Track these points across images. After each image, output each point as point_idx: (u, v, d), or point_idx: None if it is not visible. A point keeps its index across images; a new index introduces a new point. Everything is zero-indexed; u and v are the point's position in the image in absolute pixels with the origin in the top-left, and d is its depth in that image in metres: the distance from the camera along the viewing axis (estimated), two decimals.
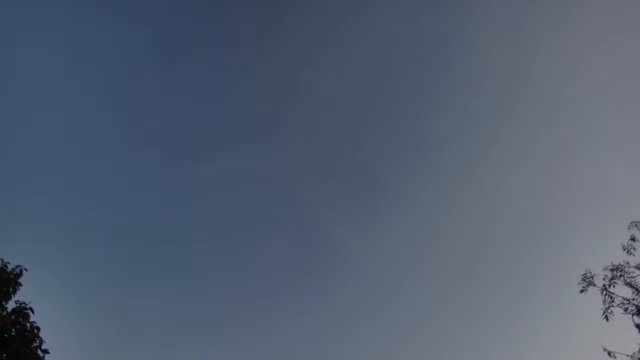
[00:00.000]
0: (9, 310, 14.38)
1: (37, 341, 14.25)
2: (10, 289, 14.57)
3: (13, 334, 13.97)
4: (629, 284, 17.94)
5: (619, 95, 54.38)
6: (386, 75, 59.91)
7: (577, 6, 54.76)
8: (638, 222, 18.31)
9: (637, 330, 17.64)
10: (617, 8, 49.62)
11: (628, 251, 18.18)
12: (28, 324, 14.27)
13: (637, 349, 17.43)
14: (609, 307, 17.98)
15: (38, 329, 14.37)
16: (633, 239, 18.20)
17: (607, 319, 17.91)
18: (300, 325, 50.31)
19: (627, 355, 17.48)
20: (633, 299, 17.85)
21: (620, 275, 18.06)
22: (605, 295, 18.14)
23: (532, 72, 57.82)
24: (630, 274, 18.01)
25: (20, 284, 14.84)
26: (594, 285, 18.43)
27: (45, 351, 14.31)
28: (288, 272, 55.96)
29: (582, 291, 18.62)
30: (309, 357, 49.09)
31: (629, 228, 18.39)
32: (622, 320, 17.82)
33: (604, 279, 18.32)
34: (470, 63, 57.96)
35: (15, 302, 14.56)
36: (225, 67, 58.02)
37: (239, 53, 60.14)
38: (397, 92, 60.61)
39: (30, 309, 14.47)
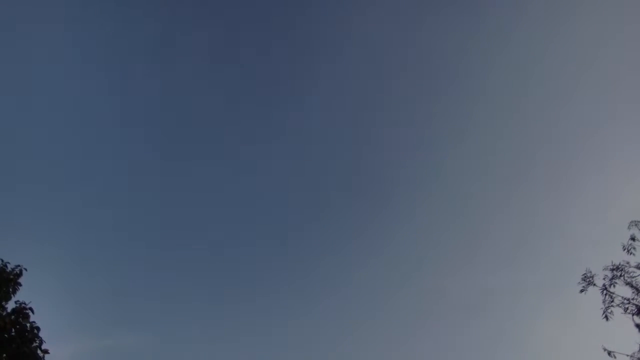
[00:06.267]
0: (9, 310, 14.35)
1: (37, 341, 14.19)
2: (10, 289, 14.54)
3: (13, 334, 13.94)
4: (629, 284, 17.96)
5: (620, 95, 54.37)
6: (388, 76, 59.82)
7: (578, 6, 54.73)
8: (638, 221, 18.31)
9: (637, 330, 17.66)
10: (618, 7, 49.59)
11: (628, 251, 18.19)
12: (28, 324, 14.22)
13: (637, 349, 17.45)
14: (609, 307, 17.99)
15: (38, 329, 14.32)
16: (633, 238, 18.21)
17: (607, 319, 17.92)
18: (301, 326, 50.35)
19: (627, 355, 17.51)
20: (633, 299, 17.86)
21: (621, 275, 18.08)
22: (605, 295, 18.16)
23: (535, 72, 57.74)
24: (631, 274, 18.03)
25: (20, 284, 14.80)
26: (594, 285, 18.45)
27: (45, 351, 14.27)
28: (288, 270, 56.00)
29: (582, 291, 18.64)
30: (310, 357, 49.14)
31: (629, 228, 18.41)
32: (622, 320, 17.85)
33: (604, 278, 18.35)
34: (472, 63, 57.86)
35: (15, 302, 14.52)
36: None
37: None
38: (399, 92, 60.51)
39: (30, 309, 14.42)
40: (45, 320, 14.72)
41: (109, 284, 48.74)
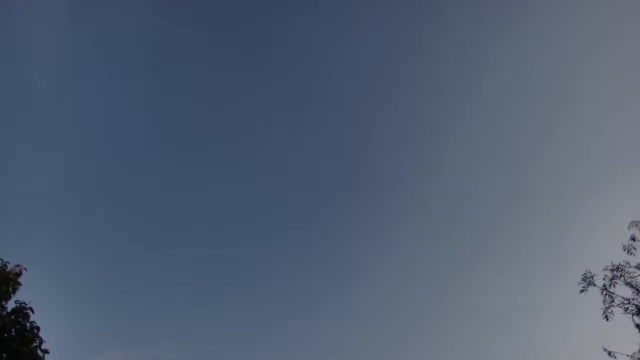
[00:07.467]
0: (9, 310, 14.33)
1: (37, 341, 14.18)
2: (10, 289, 14.53)
3: (13, 333, 13.93)
4: (629, 284, 17.95)
5: (620, 95, 54.39)
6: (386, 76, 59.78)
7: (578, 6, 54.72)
8: (638, 222, 18.30)
9: (637, 330, 17.65)
10: (618, 7, 49.62)
11: (628, 251, 18.18)
12: (28, 324, 14.21)
13: (637, 349, 17.44)
14: (609, 307, 17.99)
15: (38, 328, 14.31)
16: (633, 238, 18.20)
17: (607, 319, 17.92)
18: (302, 326, 50.33)
19: (627, 355, 17.50)
20: (633, 299, 17.85)
21: (621, 275, 18.07)
22: (606, 295, 18.15)
23: (533, 71, 57.75)
24: (631, 274, 18.02)
25: (20, 284, 14.79)
26: (594, 285, 18.44)
27: (45, 351, 14.26)
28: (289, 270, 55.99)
29: (582, 291, 18.63)
30: (310, 358, 49.10)
31: (629, 228, 18.40)
32: (622, 320, 17.84)
33: (604, 278, 18.34)
34: (471, 63, 57.83)
35: (15, 301, 14.51)
36: None
37: None
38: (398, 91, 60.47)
39: (30, 308, 14.41)
40: (45, 320, 14.74)
41: (109, 284, 48.76)
